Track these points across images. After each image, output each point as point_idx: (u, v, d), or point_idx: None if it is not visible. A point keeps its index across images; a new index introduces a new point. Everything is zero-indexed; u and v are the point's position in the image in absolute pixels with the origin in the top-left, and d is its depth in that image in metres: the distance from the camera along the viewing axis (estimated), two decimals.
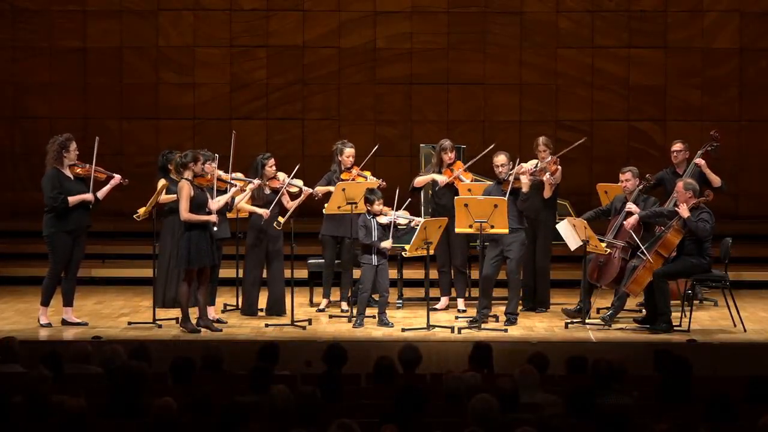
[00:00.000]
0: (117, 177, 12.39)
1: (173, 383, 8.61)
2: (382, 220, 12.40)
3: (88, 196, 12.17)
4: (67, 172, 12.22)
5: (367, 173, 13.33)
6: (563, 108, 17.61)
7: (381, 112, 17.71)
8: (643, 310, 12.62)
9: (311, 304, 13.77)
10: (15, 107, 17.69)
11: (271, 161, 12.85)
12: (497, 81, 17.64)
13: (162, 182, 12.91)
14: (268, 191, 12.75)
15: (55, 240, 12.17)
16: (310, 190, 12.78)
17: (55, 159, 12.20)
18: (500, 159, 12.67)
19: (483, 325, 12.28)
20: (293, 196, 12.80)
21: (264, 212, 12.54)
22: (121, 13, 17.63)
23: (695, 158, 13.30)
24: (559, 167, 13.11)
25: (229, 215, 12.71)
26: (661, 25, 17.58)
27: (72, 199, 12.11)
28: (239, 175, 12.80)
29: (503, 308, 12.75)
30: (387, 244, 12.34)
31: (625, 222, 12.39)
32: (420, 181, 13.41)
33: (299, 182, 12.84)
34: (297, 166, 12.62)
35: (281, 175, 12.87)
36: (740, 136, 17.47)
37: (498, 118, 17.64)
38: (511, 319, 12.53)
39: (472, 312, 12.76)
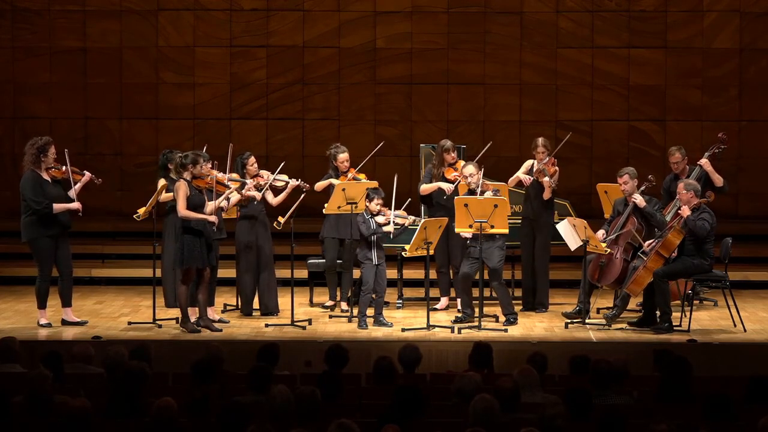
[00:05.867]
0: (87, 174, 12.35)
1: (197, 383, 8.57)
2: (379, 219, 12.43)
3: (74, 205, 12.14)
4: (45, 176, 12.20)
5: (362, 176, 13.32)
6: (563, 108, 17.60)
7: (381, 112, 17.71)
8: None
9: (311, 304, 13.79)
10: (15, 107, 17.69)
11: (252, 159, 12.92)
12: (497, 81, 17.63)
13: (162, 182, 12.92)
14: (253, 191, 12.76)
15: (37, 244, 12.16)
16: (297, 182, 12.80)
17: (33, 162, 12.18)
18: (468, 169, 12.62)
19: (483, 325, 12.27)
20: (277, 191, 12.84)
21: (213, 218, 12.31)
22: (121, 13, 17.63)
23: (701, 160, 13.23)
24: (557, 168, 13.13)
25: (223, 215, 12.68)
26: (661, 25, 17.58)
27: (57, 207, 12.08)
28: (235, 176, 12.82)
29: (498, 308, 12.74)
30: (389, 227, 12.34)
31: (623, 229, 12.34)
32: (426, 189, 13.37)
33: (284, 177, 12.87)
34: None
35: (265, 173, 12.91)
36: (740, 136, 17.45)
37: (498, 118, 17.64)
38: (511, 319, 12.52)
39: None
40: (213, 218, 11.98)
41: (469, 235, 12.50)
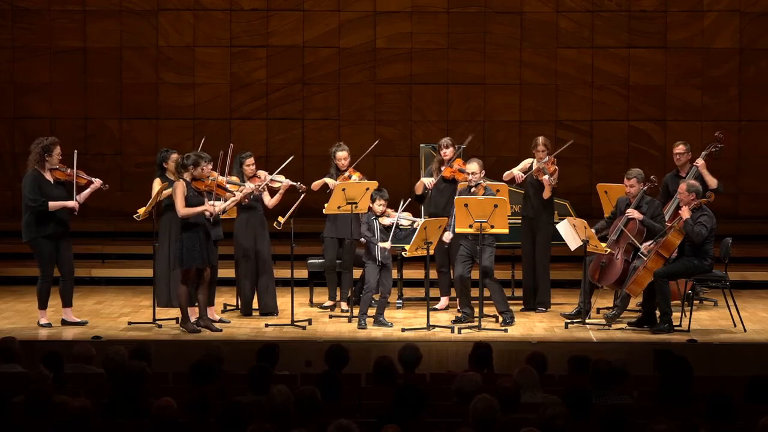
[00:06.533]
0: (97, 182, 12.33)
1: (197, 383, 8.56)
2: (384, 221, 12.42)
3: (71, 203, 12.13)
4: (48, 176, 12.18)
5: (357, 175, 13.29)
6: (563, 108, 17.60)
7: (381, 112, 17.71)
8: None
9: (311, 304, 13.78)
10: (15, 107, 17.69)
11: (249, 161, 12.89)
12: (497, 81, 17.63)
13: (157, 181, 12.94)
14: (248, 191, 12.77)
15: (36, 245, 12.16)
16: (290, 183, 12.78)
17: (36, 161, 12.16)
18: (471, 167, 12.61)
19: (483, 325, 12.27)
20: (273, 192, 12.85)
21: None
22: (121, 13, 17.63)
23: (697, 159, 13.26)
24: (557, 167, 13.13)
25: (223, 216, 12.67)
26: (661, 25, 17.58)
27: (52, 205, 12.07)
28: (234, 179, 12.82)
29: (494, 308, 12.74)
30: (386, 244, 12.35)
31: (628, 212, 12.34)
32: (417, 186, 13.47)
33: (281, 177, 12.86)
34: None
35: (262, 173, 12.91)
36: (740, 136, 17.46)
37: (498, 118, 17.64)
38: (507, 318, 12.51)
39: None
40: (211, 208, 11.97)
41: (448, 240, 12.55)
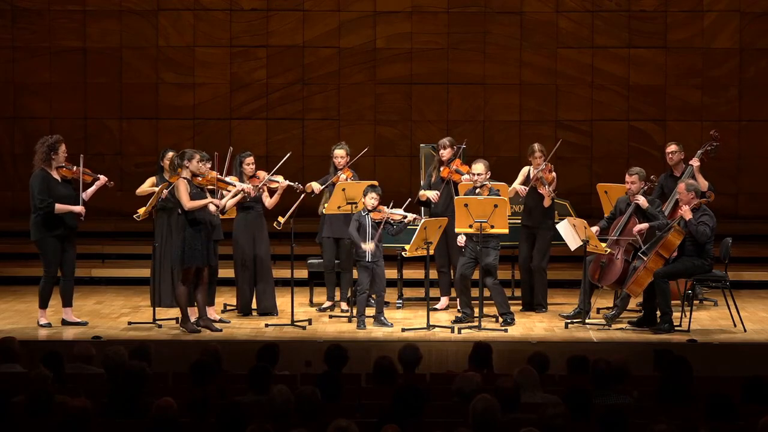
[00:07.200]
0: (102, 178, 12.35)
1: (196, 383, 8.55)
2: (376, 217, 12.38)
3: (77, 209, 12.14)
4: (55, 174, 12.19)
5: (347, 174, 13.25)
6: (563, 108, 17.61)
7: (381, 112, 17.71)
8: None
9: (311, 304, 13.78)
10: (15, 107, 17.69)
11: (248, 160, 12.88)
12: (497, 81, 17.63)
13: (152, 179, 12.98)
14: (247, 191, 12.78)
15: (43, 244, 12.16)
16: (287, 183, 12.77)
17: (43, 160, 12.17)
18: (477, 167, 12.59)
19: (483, 325, 12.27)
20: (272, 192, 12.86)
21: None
22: (121, 13, 17.63)
23: (693, 159, 13.26)
24: (555, 174, 13.11)
25: (222, 216, 12.68)
26: (661, 25, 17.59)
27: (59, 207, 12.07)
28: (233, 178, 12.81)
29: (494, 308, 12.73)
30: (368, 246, 12.28)
31: (634, 228, 12.29)
32: (422, 194, 13.43)
33: (279, 178, 12.85)
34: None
35: (261, 173, 12.90)
36: (740, 136, 17.47)
37: (498, 118, 17.64)
38: (507, 319, 12.50)
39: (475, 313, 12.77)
40: (216, 200, 12.02)
41: (462, 242, 12.55)
